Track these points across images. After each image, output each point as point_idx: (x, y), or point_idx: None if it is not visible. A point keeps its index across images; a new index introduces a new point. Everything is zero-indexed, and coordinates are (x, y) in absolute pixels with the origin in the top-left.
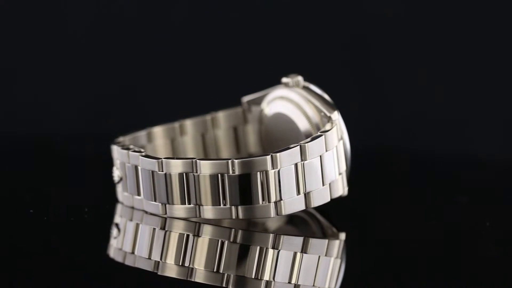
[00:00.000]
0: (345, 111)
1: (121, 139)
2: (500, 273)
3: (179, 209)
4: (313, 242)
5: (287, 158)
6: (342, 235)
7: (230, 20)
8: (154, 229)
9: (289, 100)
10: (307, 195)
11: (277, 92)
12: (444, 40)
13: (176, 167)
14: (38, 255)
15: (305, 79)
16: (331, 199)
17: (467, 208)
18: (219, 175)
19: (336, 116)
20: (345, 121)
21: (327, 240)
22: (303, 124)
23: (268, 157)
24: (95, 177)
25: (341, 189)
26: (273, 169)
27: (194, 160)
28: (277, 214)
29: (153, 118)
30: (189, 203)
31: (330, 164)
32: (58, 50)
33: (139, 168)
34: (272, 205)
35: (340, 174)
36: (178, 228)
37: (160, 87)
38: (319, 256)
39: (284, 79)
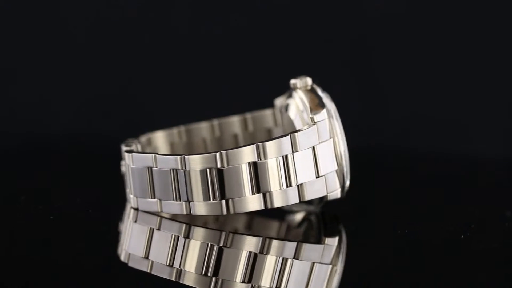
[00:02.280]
0: (345, 111)
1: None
2: (500, 272)
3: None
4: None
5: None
6: (335, 240)
7: (230, 20)
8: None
9: (293, 104)
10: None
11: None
12: (444, 40)
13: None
14: (38, 256)
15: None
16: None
17: (467, 207)
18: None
19: (320, 117)
20: (345, 121)
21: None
22: (299, 126)
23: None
24: (95, 177)
25: (323, 190)
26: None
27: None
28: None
29: (153, 118)
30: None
31: (300, 165)
32: (58, 50)
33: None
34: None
35: (321, 176)
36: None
37: (160, 87)
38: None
39: (293, 81)
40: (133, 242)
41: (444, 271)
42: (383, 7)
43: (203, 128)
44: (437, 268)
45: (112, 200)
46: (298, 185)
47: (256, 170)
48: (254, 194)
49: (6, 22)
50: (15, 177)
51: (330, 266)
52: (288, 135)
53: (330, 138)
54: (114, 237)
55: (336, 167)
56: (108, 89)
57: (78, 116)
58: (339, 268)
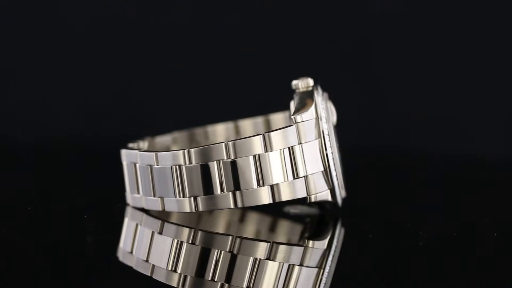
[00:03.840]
0: (345, 111)
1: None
2: (500, 272)
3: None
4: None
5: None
6: (333, 241)
7: (230, 22)
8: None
9: (292, 105)
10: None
11: None
12: (444, 40)
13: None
14: (38, 256)
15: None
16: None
17: (467, 208)
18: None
19: (303, 118)
20: (346, 121)
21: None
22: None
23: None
24: (95, 177)
25: (302, 192)
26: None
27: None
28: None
29: (153, 118)
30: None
31: (274, 165)
32: (58, 50)
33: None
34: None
35: (300, 177)
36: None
37: (160, 87)
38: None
39: (294, 82)
40: (137, 245)
41: (444, 272)
42: (383, 6)
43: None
44: (437, 268)
45: (112, 200)
46: (271, 186)
47: (229, 168)
48: (224, 192)
49: (6, 22)
50: (15, 177)
51: (317, 269)
52: (260, 134)
53: (316, 139)
54: (114, 238)
55: (321, 169)
56: (108, 89)
57: (78, 116)
58: (333, 269)
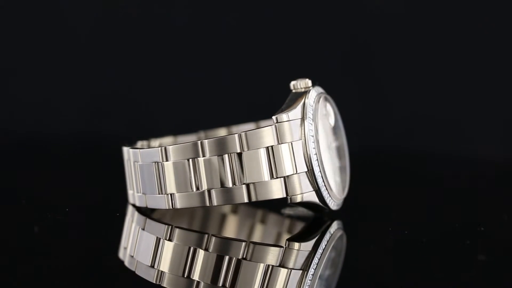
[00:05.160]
0: (345, 111)
1: None
2: (499, 274)
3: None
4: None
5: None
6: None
7: (230, 23)
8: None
9: None
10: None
11: None
12: (444, 40)
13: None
14: (38, 256)
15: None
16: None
17: (467, 208)
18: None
19: (285, 118)
20: (346, 121)
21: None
22: None
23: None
24: (95, 177)
25: (280, 192)
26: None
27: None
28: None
29: (154, 118)
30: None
31: (248, 164)
32: (59, 50)
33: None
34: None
35: (279, 177)
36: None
37: (160, 87)
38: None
39: (292, 83)
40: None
41: (443, 273)
42: (384, 7)
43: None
44: (436, 268)
45: (112, 199)
46: (246, 184)
47: (195, 165)
48: (193, 190)
49: (6, 22)
50: (15, 177)
51: (301, 271)
52: (237, 133)
53: (300, 139)
54: (115, 239)
55: (304, 169)
56: (109, 89)
57: (79, 116)
58: (329, 270)
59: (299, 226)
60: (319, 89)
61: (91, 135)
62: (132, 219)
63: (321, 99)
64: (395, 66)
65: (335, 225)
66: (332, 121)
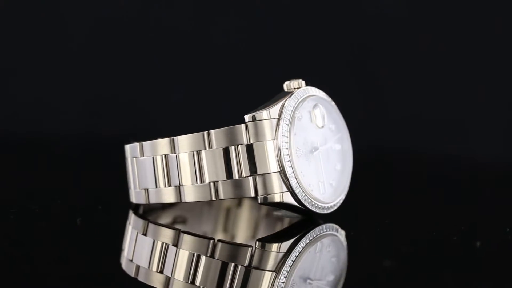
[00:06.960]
0: (345, 111)
1: None
2: (499, 274)
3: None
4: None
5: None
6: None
7: (231, 23)
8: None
9: None
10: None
11: None
12: (444, 40)
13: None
14: (38, 257)
15: (306, 81)
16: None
17: (467, 208)
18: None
19: (257, 118)
20: (346, 121)
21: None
22: None
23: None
24: (95, 177)
25: (248, 192)
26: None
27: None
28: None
29: (154, 118)
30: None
31: (211, 163)
32: (59, 50)
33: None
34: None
35: (245, 177)
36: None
37: (160, 87)
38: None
39: (286, 83)
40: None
41: (444, 273)
42: (384, 8)
43: None
44: (437, 268)
45: (112, 199)
46: (210, 183)
47: (167, 162)
48: (167, 187)
49: (6, 22)
50: (15, 177)
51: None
52: (202, 132)
53: (272, 139)
54: (115, 240)
55: (277, 170)
56: (109, 89)
57: (78, 116)
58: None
59: (278, 227)
60: (312, 91)
61: (91, 135)
62: (131, 221)
63: (308, 99)
64: (395, 66)
65: (322, 228)
66: (319, 123)
